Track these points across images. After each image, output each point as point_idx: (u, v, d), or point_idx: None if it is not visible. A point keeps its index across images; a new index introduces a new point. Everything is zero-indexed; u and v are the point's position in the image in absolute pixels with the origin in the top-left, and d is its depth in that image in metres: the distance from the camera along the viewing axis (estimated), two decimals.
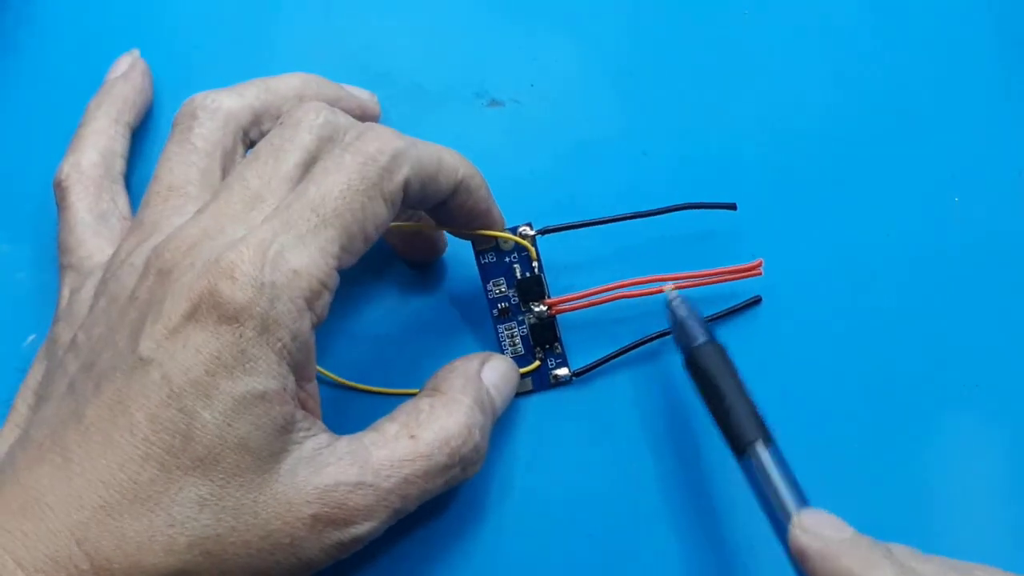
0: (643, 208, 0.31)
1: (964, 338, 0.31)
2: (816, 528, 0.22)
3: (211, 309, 0.21)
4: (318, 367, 0.27)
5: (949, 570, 0.22)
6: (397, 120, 0.33)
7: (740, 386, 0.25)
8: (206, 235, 0.22)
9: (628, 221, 0.31)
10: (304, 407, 0.23)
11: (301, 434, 0.22)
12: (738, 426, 0.25)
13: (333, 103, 0.27)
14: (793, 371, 0.30)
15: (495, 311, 0.30)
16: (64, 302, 0.27)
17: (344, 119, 0.25)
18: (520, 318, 0.30)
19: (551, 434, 0.29)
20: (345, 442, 0.23)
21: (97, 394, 0.21)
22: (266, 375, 0.21)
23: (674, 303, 0.28)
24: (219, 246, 0.22)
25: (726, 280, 0.30)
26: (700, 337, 0.26)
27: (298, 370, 0.22)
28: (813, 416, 0.30)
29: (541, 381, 0.30)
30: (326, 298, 0.22)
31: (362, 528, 0.22)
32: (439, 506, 0.28)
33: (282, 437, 0.22)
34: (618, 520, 0.28)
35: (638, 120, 0.33)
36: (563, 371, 0.30)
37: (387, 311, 0.31)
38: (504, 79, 0.34)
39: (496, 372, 0.27)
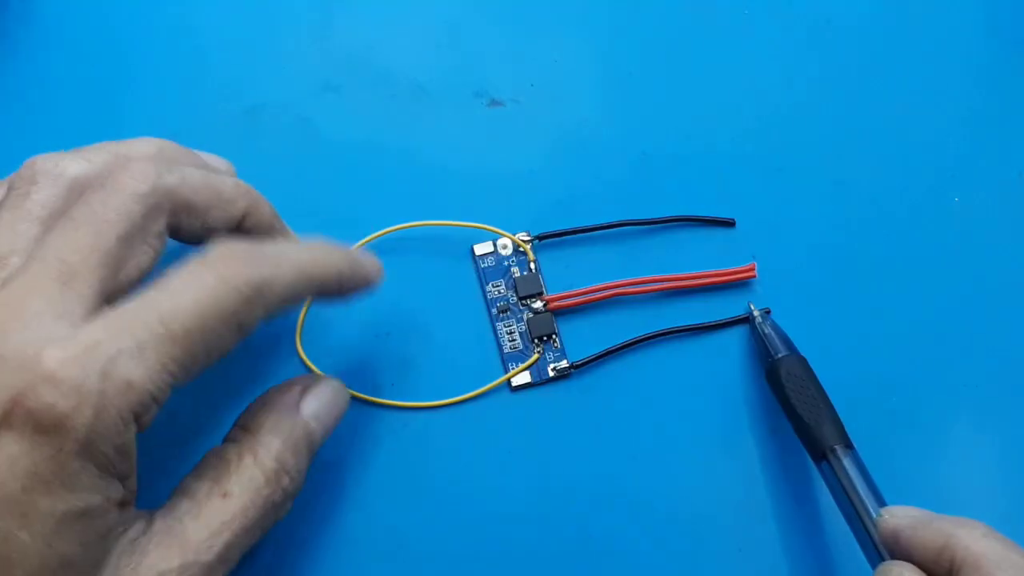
0: (642, 208, 0.31)
1: (964, 338, 0.31)
2: (902, 512, 0.25)
3: (27, 416, 0.18)
4: (349, 389, 0.26)
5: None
6: (397, 120, 0.33)
7: (823, 398, 0.27)
8: (15, 317, 0.20)
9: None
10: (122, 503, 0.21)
11: (119, 530, 0.21)
12: (819, 433, 0.27)
13: None
14: None
15: (494, 310, 0.30)
16: None
17: (175, 178, 0.23)
18: (519, 315, 0.30)
19: (549, 425, 0.29)
20: (159, 522, 0.21)
21: None
22: (88, 491, 0.19)
23: (758, 320, 0.30)
24: (36, 338, 0.19)
25: (721, 281, 0.30)
26: (782, 350, 0.29)
27: (120, 478, 0.20)
28: None
29: (540, 375, 0.30)
30: (154, 412, 0.20)
31: None
32: (439, 499, 0.28)
33: (103, 543, 0.20)
34: (613, 509, 0.28)
35: (638, 120, 0.33)
36: (562, 363, 0.30)
37: (384, 314, 0.31)
38: (504, 79, 0.34)
39: (318, 400, 0.25)
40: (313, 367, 0.29)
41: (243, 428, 0.24)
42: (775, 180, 0.33)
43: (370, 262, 0.26)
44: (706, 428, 0.29)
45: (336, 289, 0.25)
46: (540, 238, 0.31)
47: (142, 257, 0.22)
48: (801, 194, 0.33)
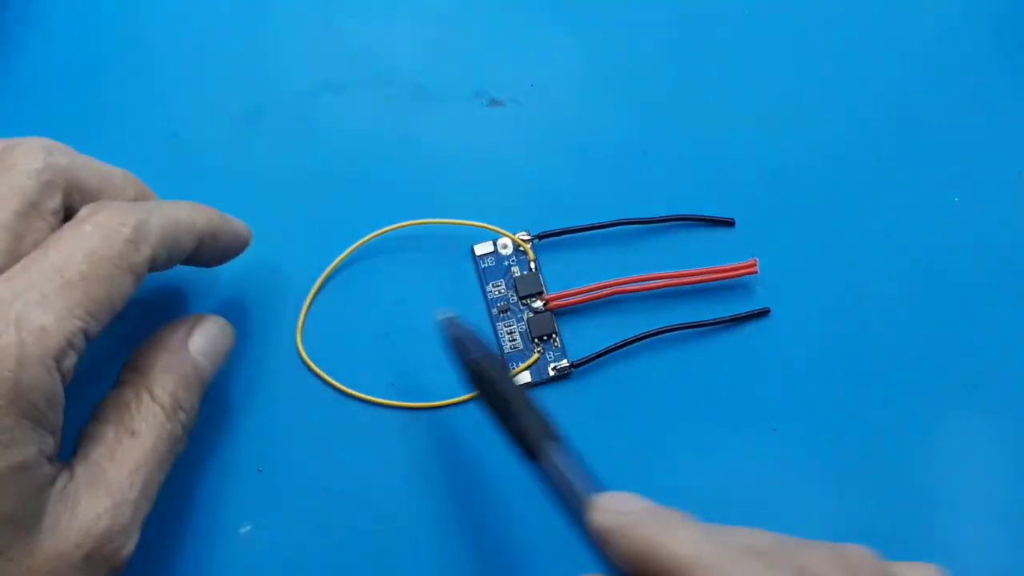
0: (642, 208, 0.31)
1: (964, 339, 0.31)
2: (613, 506, 0.21)
3: None
4: (349, 388, 0.27)
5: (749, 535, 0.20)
6: (398, 120, 0.33)
7: (522, 393, 0.25)
8: None
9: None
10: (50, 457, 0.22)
11: (51, 482, 0.21)
12: (526, 432, 0.24)
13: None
14: (795, 375, 0.30)
15: (494, 310, 0.30)
16: None
17: (66, 159, 0.24)
18: (519, 315, 0.30)
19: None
20: (79, 469, 0.22)
21: None
22: (23, 444, 0.20)
23: (444, 323, 0.27)
24: None
25: (722, 278, 0.30)
26: (476, 350, 0.26)
27: (51, 430, 0.21)
28: (814, 418, 0.30)
29: (540, 375, 0.30)
30: (73, 359, 0.21)
31: (130, 545, 0.23)
32: (441, 497, 0.28)
33: (40, 496, 0.21)
34: None
35: (638, 120, 0.33)
36: (563, 363, 0.30)
37: (384, 314, 0.31)
38: (504, 79, 0.34)
39: (204, 337, 0.26)
40: (313, 366, 0.29)
41: (135, 370, 0.25)
42: (775, 180, 0.33)
43: (239, 221, 0.27)
44: (708, 425, 0.29)
45: (210, 239, 0.26)
46: (540, 237, 0.31)
47: (37, 234, 0.23)
48: (801, 194, 0.33)
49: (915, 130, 0.34)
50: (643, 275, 0.30)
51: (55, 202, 0.23)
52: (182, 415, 0.25)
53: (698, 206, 0.32)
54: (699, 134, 0.33)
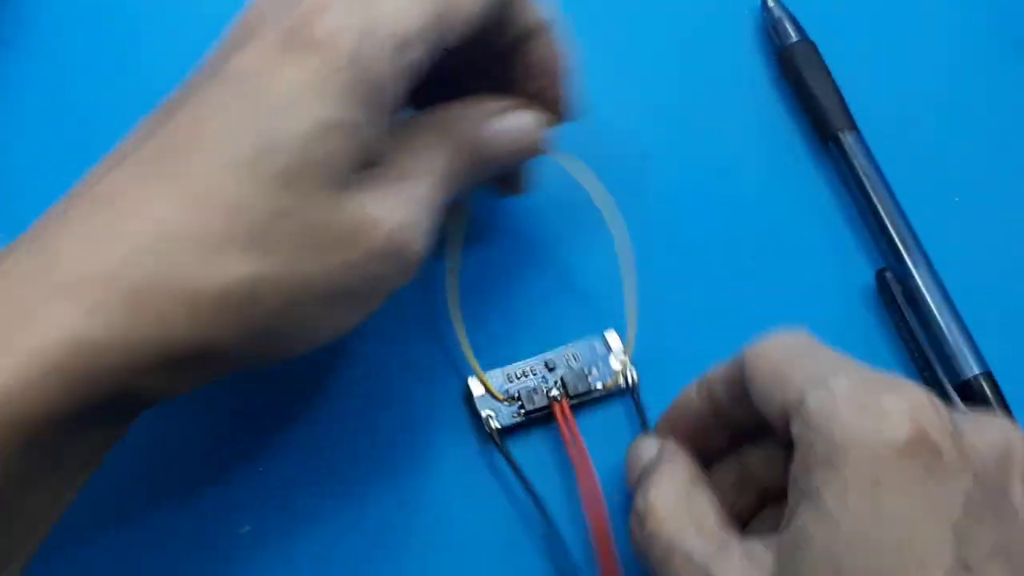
0: (643, 209, 0.31)
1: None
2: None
3: (302, 38, 0.20)
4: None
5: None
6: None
7: (831, 81, 0.29)
8: None
9: None
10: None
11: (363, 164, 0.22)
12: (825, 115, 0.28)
13: None
14: None
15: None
16: None
17: None
18: None
19: None
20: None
21: (184, 104, 0.21)
22: (346, 106, 0.21)
23: (771, 2, 0.32)
24: None
25: None
26: (794, 36, 0.32)
27: (381, 111, 0.22)
28: None
29: None
30: (419, 51, 0.22)
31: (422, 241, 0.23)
32: (439, 497, 0.28)
33: (357, 157, 0.21)
34: None
35: (638, 120, 0.33)
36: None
37: None
38: None
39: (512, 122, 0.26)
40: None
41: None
42: (775, 179, 0.33)
43: None
44: None
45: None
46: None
47: None
48: None
49: (914, 129, 0.34)
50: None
51: None
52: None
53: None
54: (699, 134, 0.33)
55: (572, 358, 0.29)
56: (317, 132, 0.20)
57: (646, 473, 0.24)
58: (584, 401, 0.29)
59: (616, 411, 0.29)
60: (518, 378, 0.29)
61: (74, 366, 0.18)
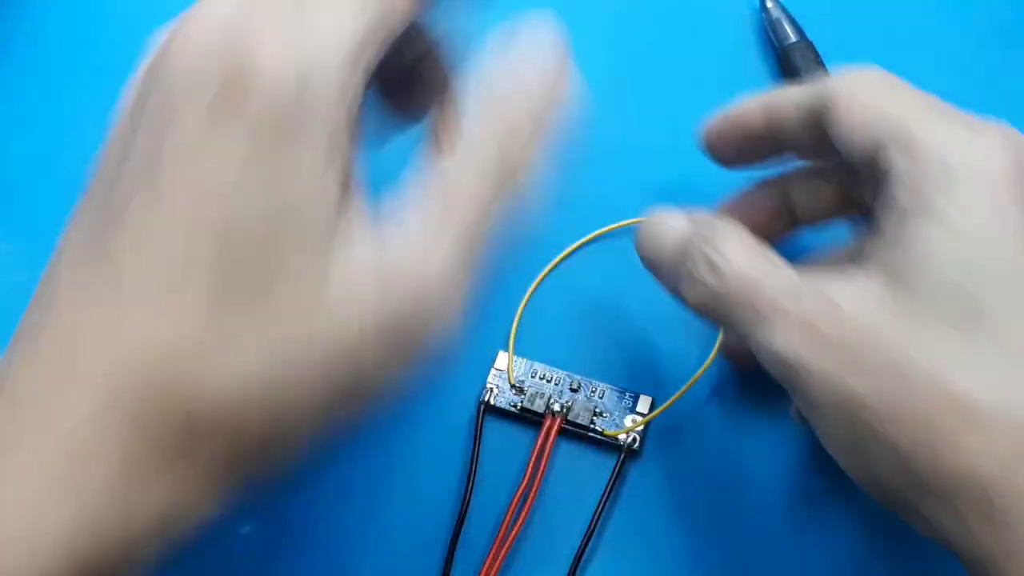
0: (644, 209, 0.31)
1: None
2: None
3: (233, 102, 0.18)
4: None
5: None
6: None
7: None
8: None
9: None
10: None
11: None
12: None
13: None
14: None
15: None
16: None
17: None
18: None
19: None
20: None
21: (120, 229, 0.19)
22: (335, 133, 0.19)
23: (769, 3, 0.33)
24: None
25: None
26: (792, 36, 0.33)
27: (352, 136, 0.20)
28: None
29: None
30: (361, 74, 0.19)
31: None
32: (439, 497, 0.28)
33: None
34: None
35: (638, 120, 0.33)
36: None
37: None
38: None
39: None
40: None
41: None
42: None
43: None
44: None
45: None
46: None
47: None
48: None
49: None
50: None
51: None
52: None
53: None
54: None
55: (597, 393, 0.29)
56: (327, 159, 0.18)
57: (702, 233, 0.23)
58: (578, 434, 0.29)
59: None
60: (540, 378, 0.29)
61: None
